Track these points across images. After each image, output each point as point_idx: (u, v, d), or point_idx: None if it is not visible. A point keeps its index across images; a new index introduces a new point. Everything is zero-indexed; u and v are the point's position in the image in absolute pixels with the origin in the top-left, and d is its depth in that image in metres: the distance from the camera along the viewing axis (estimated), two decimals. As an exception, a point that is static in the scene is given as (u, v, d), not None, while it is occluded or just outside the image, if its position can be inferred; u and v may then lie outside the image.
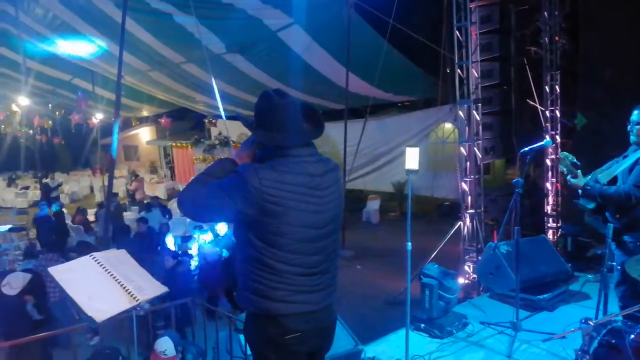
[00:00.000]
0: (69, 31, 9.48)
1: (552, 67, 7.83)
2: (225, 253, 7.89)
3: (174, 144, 21.06)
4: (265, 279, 2.11)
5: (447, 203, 12.48)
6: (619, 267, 3.73)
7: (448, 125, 10.18)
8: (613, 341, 3.14)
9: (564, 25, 7.80)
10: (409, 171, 3.97)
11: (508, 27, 8.03)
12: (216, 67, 9.23)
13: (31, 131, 19.91)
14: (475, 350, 4.43)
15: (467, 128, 7.24)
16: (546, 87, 7.90)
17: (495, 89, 7.65)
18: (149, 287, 3.23)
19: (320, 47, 9.01)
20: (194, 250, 8.81)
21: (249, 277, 2.15)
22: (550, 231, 8.07)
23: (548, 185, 8.13)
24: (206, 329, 4.74)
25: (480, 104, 7.21)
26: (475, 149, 7.25)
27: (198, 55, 9.14)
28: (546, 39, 7.74)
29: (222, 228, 8.64)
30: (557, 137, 7.94)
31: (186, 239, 9.60)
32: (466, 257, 7.34)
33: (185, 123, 21.46)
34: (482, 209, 7.39)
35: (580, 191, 3.87)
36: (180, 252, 8.43)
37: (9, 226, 11.90)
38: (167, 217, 11.02)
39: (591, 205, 3.90)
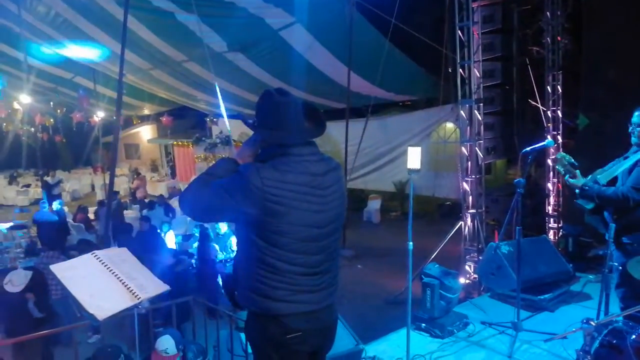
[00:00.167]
0: (71, 29, 9.48)
1: (554, 67, 7.83)
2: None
3: (175, 142, 21.04)
4: (267, 278, 2.11)
5: (448, 203, 12.48)
6: (620, 268, 3.72)
7: (449, 125, 10.17)
8: (614, 341, 3.15)
9: (567, 25, 7.80)
10: (411, 171, 3.96)
11: (510, 27, 8.02)
12: (218, 66, 9.23)
13: (33, 129, 19.88)
14: (476, 350, 4.43)
15: (468, 128, 7.24)
16: (548, 87, 7.89)
17: (497, 88, 7.65)
18: (150, 285, 3.23)
19: (322, 46, 9.00)
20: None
21: (251, 276, 2.15)
22: (552, 231, 8.07)
23: (549, 185, 8.13)
24: (207, 327, 4.74)
25: (482, 104, 7.21)
26: (476, 148, 7.25)
27: (200, 54, 9.14)
28: (548, 39, 7.74)
29: (222, 227, 8.66)
30: (559, 138, 7.94)
31: (187, 237, 9.61)
32: (467, 257, 7.35)
33: (187, 121, 21.46)
34: (483, 209, 7.39)
35: (578, 191, 3.87)
36: (180, 251, 8.43)
37: (10, 224, 11.92)
38: (170, 215, 11.02)
39: (590, 206, 3.89)
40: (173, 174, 21.94)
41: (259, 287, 2.13)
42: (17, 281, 5.53)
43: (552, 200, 8.13)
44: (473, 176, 7.27)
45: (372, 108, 10.46)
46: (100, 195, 17.47)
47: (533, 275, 5.19)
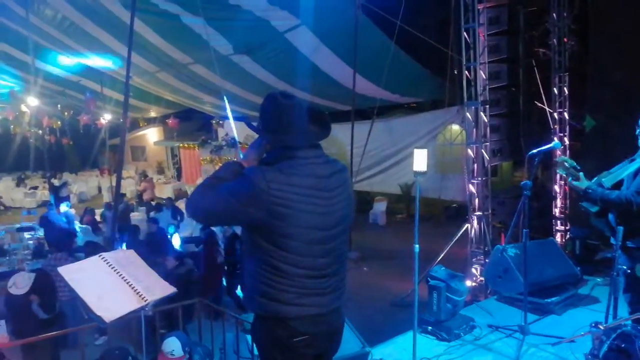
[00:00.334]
0: (78, 32, 9.55)
1: (560, 68, 7.80)
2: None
3: (181, 144, 21.11)
4: (274, 281, 2.11)
5: (454, 205, 12.44)
6: (629, 271, 3.69)
7: (455, 127, 10.14)
8: (623, 345, 3.12)
9: (573, 27, 7.76)
10: (417, 173, 3.96)
11: (516, 29, 8.00)
12: (224, 68, 9.25)
13: (40, 131, 20.03)
14: (483, 354, 4.41)
15: (474, 130, 7.23)
16: (554, 89, 7.86)
17: (503, 90, 7.62)
18: (157, 288, 3.25)
19: (328, 48, 9.00)
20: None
21: (257, 279, 2.15)
22: (559, 234, 8.03)
23: (556, 187, 8.10)
24: (213, 329, 4.75)
25: (488, 106, 7.19)
26: (482, 150, 7.22)
27: (206, 57, 9.16)
28: (555, 40, 7.71)
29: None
30: (566, 140, 7.91)
31: (189, 239, 9.66)
32: (473, 259, 7.32)
33: (193, 124, 21.52)
34: (490, 211, 7.37)
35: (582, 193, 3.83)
36: (185, 253, 8.45)
37: (17, 226, 11.99)
38: (178, 218, 11.05)
39: (594, 209, 3.84)
40: (179, 176, 22.02)
41: (265, 290, 2.13)
42: (20, 283, 5.59)
43: (559, 202, 8.09)
44: (479, 178, 7.25)
45: (378, 110, 10.44)
46: (107, 197, 17.55)
47: (540, 278, 5.16)
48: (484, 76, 7.08)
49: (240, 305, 7.63)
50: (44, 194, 18.70)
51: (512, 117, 7.93)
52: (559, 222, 8.09)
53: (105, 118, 17.04)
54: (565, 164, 3.84)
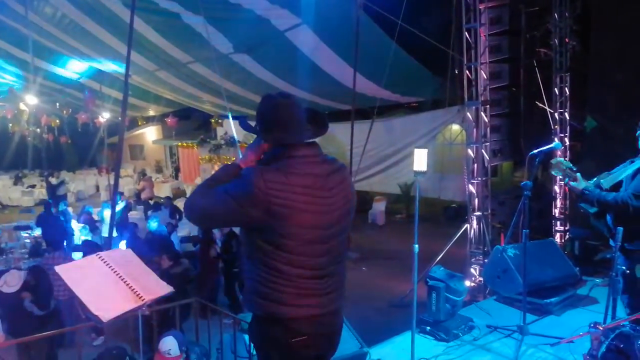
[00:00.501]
0: (77, 30, 9.52)
1: (561, 69, 7.78)
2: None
3: (179, 143, 21.09)
4: (272, 282, 2.09)
5: (454, 205, 12.44)
6: (628, 272, 3.67)
7: (456, 127, 10.12)
8: (621, 346, 3.11)
9: (575, 27, 7.75)
10: (417, 173, 3.95)
11: (518, 29, 7.99)
12: (224, 67, 9.23)
13: (38, 130, 19.99)
14: (482, 354, 4.40)
15: (475, 130, 7.21)
16: (555, 89, 7.85)
17: (504, 90, 7.61)
18: (154, 287, 3.23)
19: (328, 47, 8.98)
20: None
21: (256, 280, 2.13)
22: (558, 234, 8.02)
23: (556, 188, 8.08)
24: (210, 329, 4.73)
25: (488, 106, 7.18)
26: (483, 151, 7.21)
27: (205, 55, 9.15)
28: (556, 40, 7.70)
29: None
30: (566, 140, 7.90)
31: (185, 239, 9.64)
32: (473, 259, 7.31)
33: (191, 123, 21.50)
34: (489, 211, 7.36)
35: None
36: (181, 252, 8.43)
37: (14, 224, 11.95)
38: (176, 217, 11.02)
39: (593, 210, 3.82)
40: (177, 175, 22.00)
41: (263, 290, 2.11)
42: (11, 282, 5.61)
43: (559, 203, 8.07)
44: (479, 178, 7.24)
45: (378, 110, 10.40)
46: (104, 196, 17.54)
47: (539, 279, 5.16)
48: (484, 76, 7.07)
49: (234, 304, 7.61)
50: (41, 192, 18.67)
51: (512, 117, 7.93)
52: (558, 222, 8.08)
53: (104, 116, 16.99)
54: (561, 165, 3.81)
